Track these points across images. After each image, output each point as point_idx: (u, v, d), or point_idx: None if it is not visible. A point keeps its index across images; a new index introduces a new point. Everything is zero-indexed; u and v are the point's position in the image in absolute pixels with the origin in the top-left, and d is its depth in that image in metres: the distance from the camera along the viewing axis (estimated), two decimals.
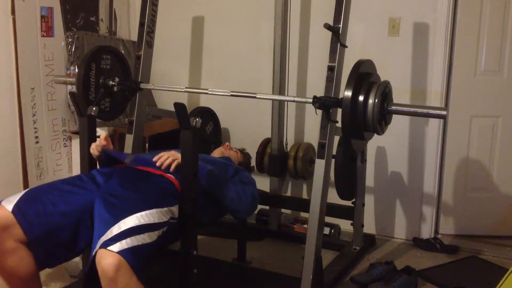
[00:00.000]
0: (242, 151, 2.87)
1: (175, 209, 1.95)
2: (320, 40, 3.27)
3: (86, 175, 2.06)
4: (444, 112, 2.21)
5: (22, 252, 1.84)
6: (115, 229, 1.70)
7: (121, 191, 1.91)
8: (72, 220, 1.88)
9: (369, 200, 3.23)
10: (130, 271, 1.64)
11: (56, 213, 1.86)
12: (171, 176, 2.08)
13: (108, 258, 1.63)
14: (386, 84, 2.25)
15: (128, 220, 1.74)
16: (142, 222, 1.76)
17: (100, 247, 1.66)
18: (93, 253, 1.69)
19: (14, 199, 1.87)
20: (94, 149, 2.23)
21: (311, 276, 2.30)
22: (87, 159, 2.28)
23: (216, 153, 2.76)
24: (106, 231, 1.70)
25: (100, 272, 1.64)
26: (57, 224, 1.86)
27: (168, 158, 2.10)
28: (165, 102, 2.71)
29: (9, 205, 1.84)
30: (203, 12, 3.67)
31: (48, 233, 1.85)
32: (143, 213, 1.78)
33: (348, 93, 2.16)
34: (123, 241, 1.67)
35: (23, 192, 1.91)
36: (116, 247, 1.65)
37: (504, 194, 3.27)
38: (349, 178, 2.79)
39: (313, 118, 2.57)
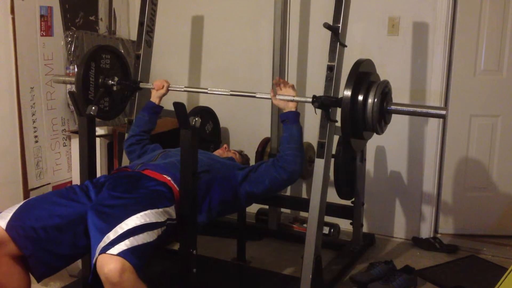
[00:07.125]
0: (241, 153, 2.87)
1: (170, 210, 1.95)
2: (320, 39, 3.27)
3: (79, 187, 2.04)
4: (443, 112, 2.21)
5: (12, 269, 1.83)
6: (112, 234, 1.70)
7: (113, 201, 1.90)
8: (67, 233, 1.87)
9: (368, 200, 3.23)
10: (134, 273, 1.63)
11: (50, 227, 1.84)
12: (169, 179, 2.06)
13: (110, 263, 1.61)
14: (386, 84, 2.25)
15: (124, 224, 1.73)
16: (139, 223, 1.75)
17: (99, 253, 1.65)
18: (93, 261, 1.67)
19: (7, 215, 1.83)
20: (164, 88, 2.60)
21: (310, 276, 2.30)
22: (86, 158, 2.28)
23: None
24: (102, 238, 1.69)
25: (103, 279, 1.63)
26: (53, 238, 1.84)
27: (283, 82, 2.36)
28: (165, 101, 2.69)
29: (2, 221, 1.81)
30: (203, 12, 3.67)
31: (44, 248, 1.83)
32: (138, 215, 1.78)
33: (348, 93, 2.15)
34: (122, 243, 1.66)
35: (17, 206, 1.88)
36: (115, 249, 1.64)
37: (503, 193, 3.27)
38: (348, 177, 2.79)
39: (313, 117, 2.57)
